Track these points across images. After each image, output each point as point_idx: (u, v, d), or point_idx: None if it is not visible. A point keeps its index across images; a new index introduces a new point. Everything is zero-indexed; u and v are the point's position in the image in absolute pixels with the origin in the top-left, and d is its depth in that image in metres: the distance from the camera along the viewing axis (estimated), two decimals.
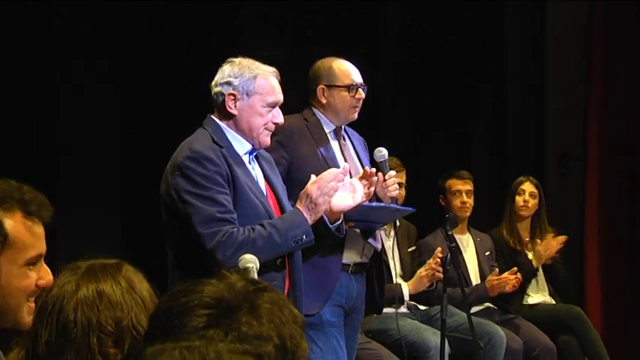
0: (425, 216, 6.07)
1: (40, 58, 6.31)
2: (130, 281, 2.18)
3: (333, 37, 7.03)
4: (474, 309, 6.33)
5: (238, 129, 4.18)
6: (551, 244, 6.70)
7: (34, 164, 6.11)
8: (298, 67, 5.11)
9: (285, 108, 4.30)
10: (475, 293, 6.46)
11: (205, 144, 4.09)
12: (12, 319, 2.37)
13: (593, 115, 7.76)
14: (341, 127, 4.95)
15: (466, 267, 6.60)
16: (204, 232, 3.97)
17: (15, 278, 2.38)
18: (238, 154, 4.16)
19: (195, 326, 1.74)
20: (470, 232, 6.78)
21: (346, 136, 5.01)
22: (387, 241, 6.04)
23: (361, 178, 4.46)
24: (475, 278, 6.64)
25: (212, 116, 4.23)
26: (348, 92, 4.86)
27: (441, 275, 5.85)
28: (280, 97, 4.21)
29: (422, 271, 6.10)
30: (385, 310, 5.43)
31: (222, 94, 4.16)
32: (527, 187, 6.86)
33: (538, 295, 6.90)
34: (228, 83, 4.15)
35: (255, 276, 3.41)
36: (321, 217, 4.21)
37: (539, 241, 6.72)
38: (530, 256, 6.78)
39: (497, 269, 6.58)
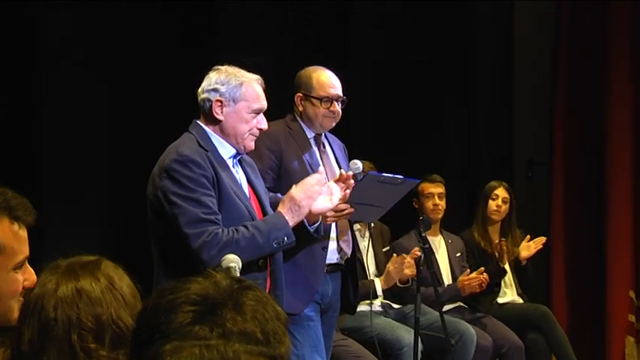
0: (398, 218, 6.08)
1: (27, 55, 6.27)
2: (109, 277, 2.16)
3: (309, 43, 7.03)
4: (446, 307, 6.35)
5: (224, 134, 4.21)
6: (531, 245, 6.75)
7: (20, 164, 6.07)
8: (276, 75, 5.11)
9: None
10: (448, 293, 6.49)
11: (192, 148, 4.11)
12: (3, 319, 2.40)
13: (559, 118, 7.78)
14: (320, 134, 4.97)
15: (438, 267, 6.62)
16: (190, 232, 3.99)
17: (5, 283, 2.41)
18: (223, 158, 4.19)
19: (182, 322, 1.74)
20: (442, 234, 6.81)
21: (326, 143, 5.02)
22: (362, 241, 6.05)
23: (337, 181, 4.47)
24: (447, 278, 6.67)
25: (198, 121, 4.25)
26: (321, 104, 4.87)
27: (409, 272, 5.88)
28: (264, 104, 4.24)
29: (389, 266, 6.11)
30: (360, 308, 5.45)
31: (210, 101, 4.19)
32: (501, 192, 6.90)
33: (507, 295, 6.93)
34: (215, 90, 4.18)
35: (238, 275, 3.41)
36: (301, 220, 4.25)
37: (521, 244, 6.77)
38: (504, 257, 6.80)
39: (468, 270, 6.61)
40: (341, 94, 4.91)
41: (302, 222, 4.26)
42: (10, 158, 6.00)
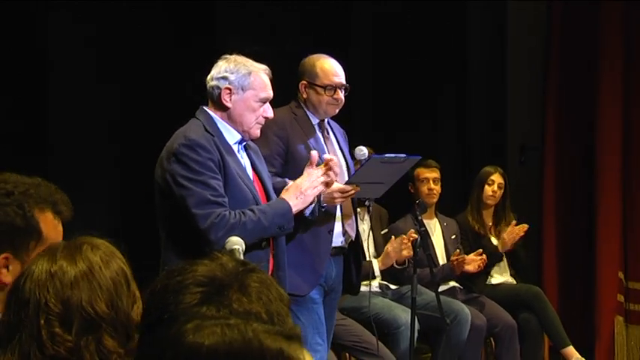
0: (395, 202, 6.09)
1: (33, 45, 6.25)
2: (88, 262, 2.04)
3: (309, 35, 7.02)
4: (441, 288, 6.35)
5: (231, 120, 4.22)
6: (515, 230, 6.74)
7: (28, 154, 6.05)
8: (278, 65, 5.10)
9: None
10: (441, 272, 6.49)
11: (199, 133, 4.12)
12: None
13: (550, 106, 7.77)
14: (324, 120, 4.96)
15: (434, 249, 6.63)
16: (198, 212, 4.00)
17: None
18: (229, 143, 4.21)
19: (190, 303, 1.74)
20: (437, 217, 6.81)
21: (329, 129, 5.01)
22: (362, 224, 6.04)
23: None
24: (442, 260, 6.68)
25: (204, 107, 4.27)
26: (325, 92, 4.86)
27: (407, 253, 5.89)
28: (271, 93, 4.27)
29: (388, 247, 6.11)
30: None
31: (219, 88, 4.20)
32: (497, 178, 6.90)
33: (500, 276, 6.94)
34: (225, 78, 4.20)
35: (242, 257, 3.40)
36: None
37: (506, 228, 6.77)
38: (493, 240, 6.82)
39: (459, 250, 6.63)
40: (344, 82, 4.90)
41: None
42: (18, 147, 5.99)
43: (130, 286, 2.05)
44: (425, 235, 5.69)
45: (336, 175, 4.37)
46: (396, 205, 6.52)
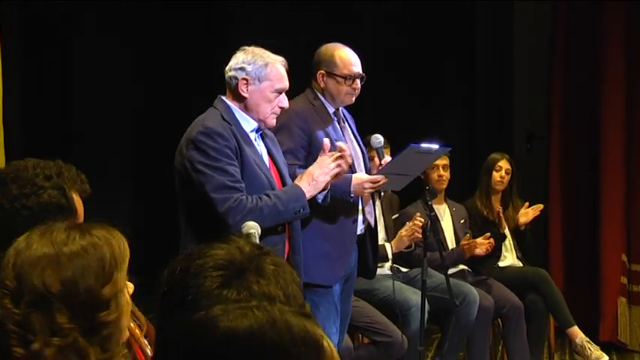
0: (405, 188, 6.07)
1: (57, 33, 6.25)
2: (57, 243, 1.95)
3: (323, 27, 7.02)
4: (450, 271, 6.33)
5: (247, 109, 4.22)
6: (529, 211, 6.75)
7: (49, 135, 6.06)
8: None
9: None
10: (451, 256, 6.48)
11: (216, 121, 4.12)
12: None
13: (556, 95, 7.75)
14: (338, 109, 4.93)
15: (443, 234, 6.61)
16: (217, 196, 4.00)
17: None
18: (245, 131, 4.20)
19: (210, 286, 1.74)
20: (446, 203, 6.80)
21: (344, 118, 4.98)
22: None
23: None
24: (451, 243, 6.66)
25: (222, 97, 4.27)
26: (345, 82, 4.80)
27: (420, 235, 5.88)
28: (287, 84, 4.26)
29: (402, 232, 6.11)
30: None
31: (236, 78, 4.20)
32: (504, 164, 6.87)
33: (507, 259, 6.93)
34: (242, 69, 4.19)
35: (258, 241, 3.41)
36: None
37: (513, 213, 6.77)
38: (502, 224, 6.81)
39: (468, 234, 6.62)
40: (361, 71, 4.85)
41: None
42: (39, 129, 5.99)
43: (105, 268, 1.96)
44: (435, 220, 5.68)
45: (346, 163, 4.35)
46: (406, 191, 6.50)
